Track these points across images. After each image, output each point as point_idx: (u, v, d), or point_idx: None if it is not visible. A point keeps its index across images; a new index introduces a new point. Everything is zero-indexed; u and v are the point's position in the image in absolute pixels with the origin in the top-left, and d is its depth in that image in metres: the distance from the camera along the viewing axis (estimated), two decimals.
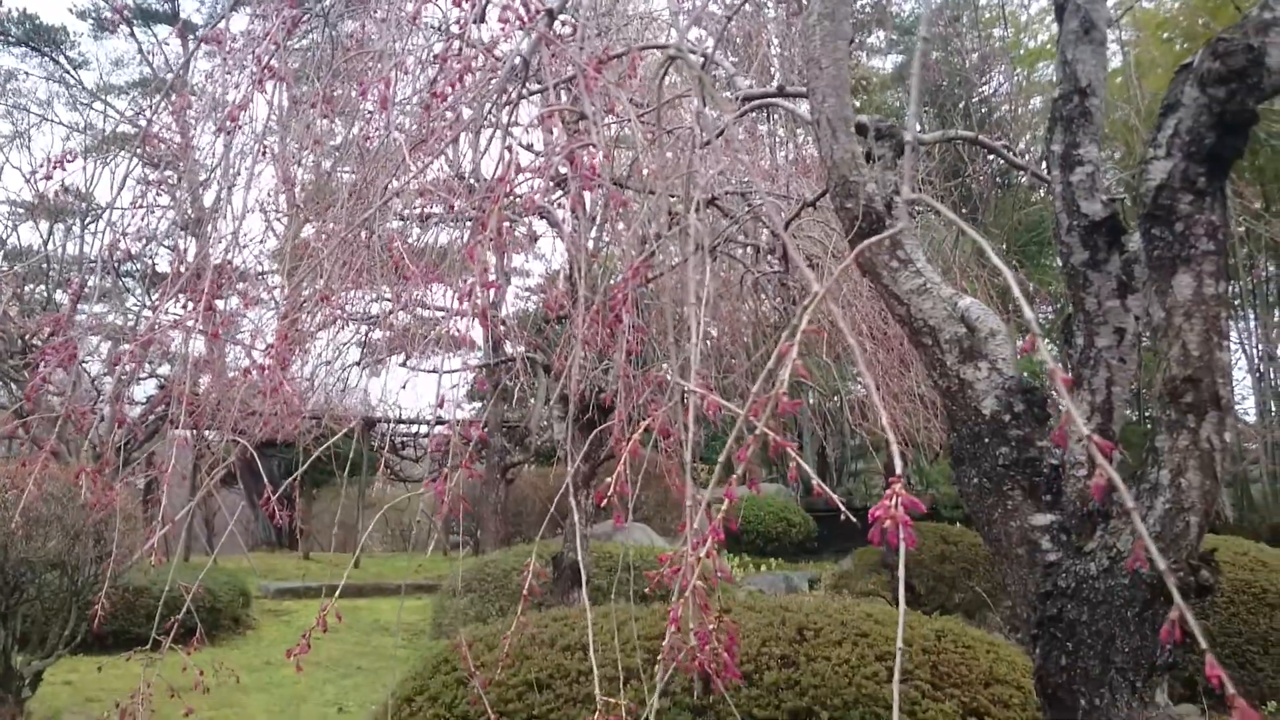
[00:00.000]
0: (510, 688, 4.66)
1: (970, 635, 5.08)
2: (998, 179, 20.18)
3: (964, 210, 18.26)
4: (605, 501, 1.73)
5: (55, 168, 4.17)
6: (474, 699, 4.45)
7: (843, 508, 1.76)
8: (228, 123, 3.02)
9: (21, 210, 19.53)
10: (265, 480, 3.23)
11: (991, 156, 18.45)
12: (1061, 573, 2.54)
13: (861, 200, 2.93)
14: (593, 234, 8.04)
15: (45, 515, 6.66)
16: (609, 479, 1.76)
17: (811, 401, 14.96)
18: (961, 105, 21.74)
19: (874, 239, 2.74)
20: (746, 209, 6.07)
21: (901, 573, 1.13)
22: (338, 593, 2.54)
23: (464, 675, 4.71)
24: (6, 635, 6.86)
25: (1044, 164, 3.04)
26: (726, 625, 1.47)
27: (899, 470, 1.15)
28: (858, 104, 15.67)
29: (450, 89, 2.58)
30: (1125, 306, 2.69)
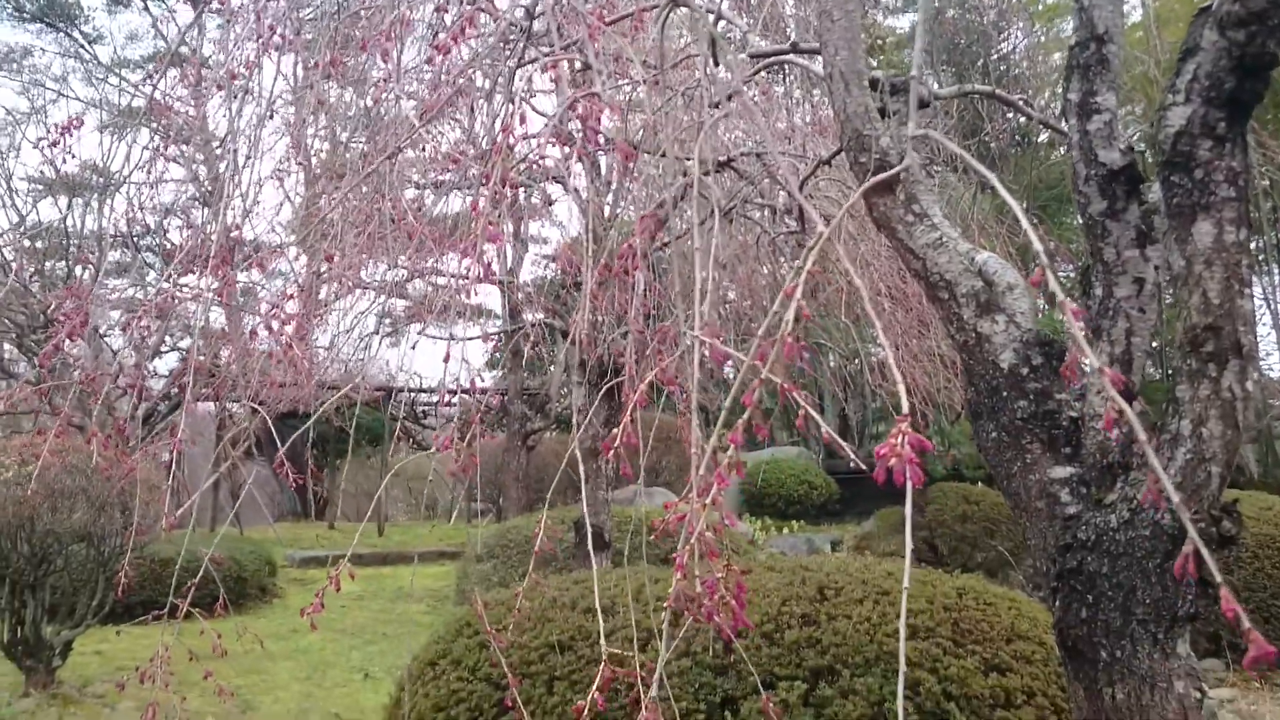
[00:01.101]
0: (532, 650, 4.68)
1: (992, 592, 5.06)
2: (1016, 137, 19.96)
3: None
4: (612, 454, 1.72)
5: (64, 133, 4.17)
6: (495, 661, 4.48)
7: (861, 464, 1.74)
8: (230, 81, 3.00)
9: (41, 187, 19.58)
10: (282, 450, 3.24)
11: (1010, 114, 18.26)
12: (1081, 525, 2.52)
13: (875, 154, 2.89)
14: (608, 199, 8.01)
15: (70, 487, 6.72)
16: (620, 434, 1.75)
17: (832, 364, 14.93)
18: (980, 63, 21.46)
19: (880, 176, 2.70)
20: (762, 170, 6.02)
21: (909, 510, 1.11)
22: (349, 556, 2.54)
23: (486, 638, 4.74)
24: (36, 606, 6.95)
25: (1061, 115, 2.99)
26: (734, 573, 1.45)
27: (905, 409, 1.13)
28: (874, 63, 15.50)
29: (452, 41, 2.55)
30: (1144, 256, 2.65)
